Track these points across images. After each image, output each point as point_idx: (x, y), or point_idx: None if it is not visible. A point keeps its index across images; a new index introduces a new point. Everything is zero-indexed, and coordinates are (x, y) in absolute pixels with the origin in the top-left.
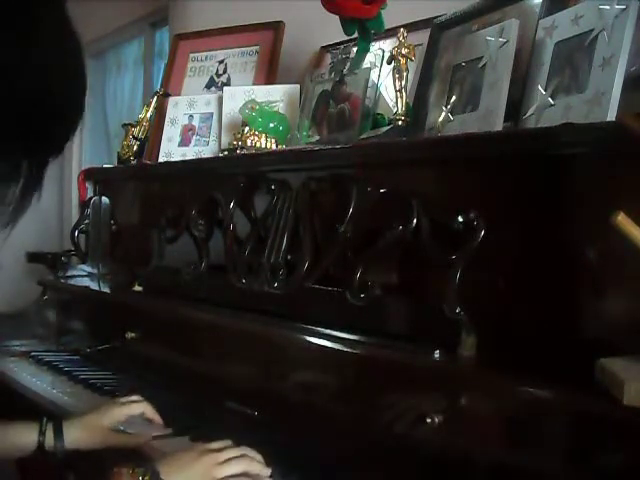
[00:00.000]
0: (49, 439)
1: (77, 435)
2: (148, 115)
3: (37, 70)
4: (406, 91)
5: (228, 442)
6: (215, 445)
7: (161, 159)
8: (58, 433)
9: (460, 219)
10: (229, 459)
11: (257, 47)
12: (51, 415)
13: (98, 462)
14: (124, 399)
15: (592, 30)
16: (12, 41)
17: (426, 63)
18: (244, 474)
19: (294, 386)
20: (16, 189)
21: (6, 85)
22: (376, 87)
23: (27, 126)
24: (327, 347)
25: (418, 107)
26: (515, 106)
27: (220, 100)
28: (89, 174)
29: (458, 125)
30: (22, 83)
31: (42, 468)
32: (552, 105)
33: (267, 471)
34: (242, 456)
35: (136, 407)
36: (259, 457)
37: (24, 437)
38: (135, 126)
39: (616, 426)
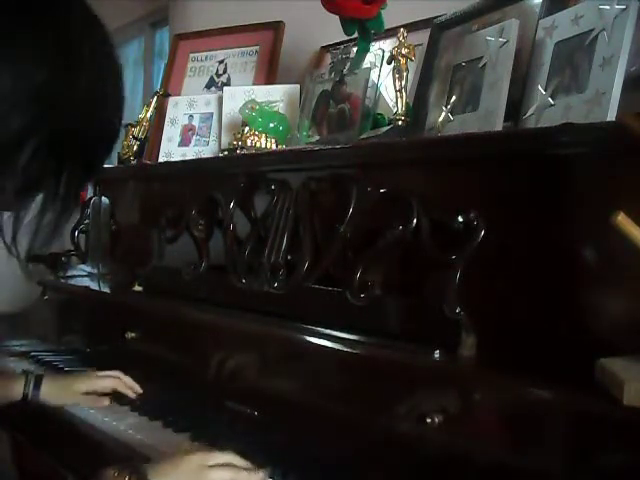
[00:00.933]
0: (30, 390)
1: (50, 391)
2: (148, 115)
3: (84, 92)
4: (406, 91)
5: (214, 450)
6: (203, 449)
7: (161, 159)
8: (37, 385)
9: (460, 219)
10: (216, 465)
11: (257, 47)
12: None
13: (94, 463)
14: (102, 373)
15: (592, 30)
16: (60, 67)
17: (426, 63)
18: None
19: (294, 386)
20: (52, 209)
21: (53, 112)
22: (376, 87)
23: (74, 146)
24: (327, 347)
25: (418, 107)
26: (515, 106)
27: (220, 100)
28: None
29: (458, 125)
30: (68, 109)
31: (41, 468)
32: (552, 105)
33: (257, 476)
34: (228, 464)
35: (110, 381)
36: (248, 465)
37: (14, 389)
38: (135, 126)
39: (616, 426)
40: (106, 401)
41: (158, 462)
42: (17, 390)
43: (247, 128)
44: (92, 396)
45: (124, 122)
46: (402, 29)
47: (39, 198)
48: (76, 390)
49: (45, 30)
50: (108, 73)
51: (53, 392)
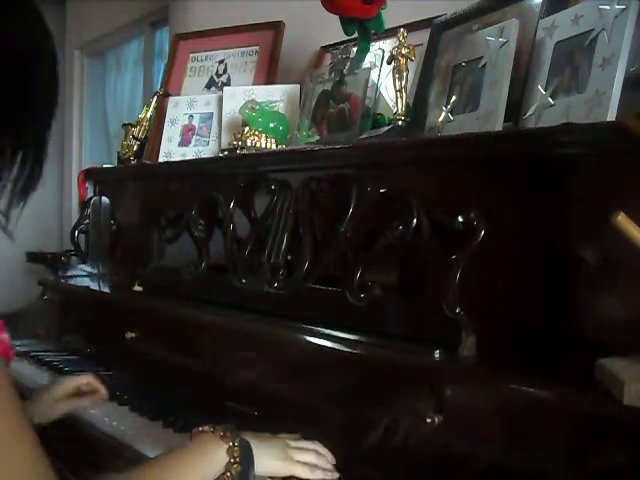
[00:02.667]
0: None
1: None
2: (148, 115)
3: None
4: (406, 91)
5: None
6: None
7: (161, 159)
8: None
9: (460, 219)
10: (303, 447)
11: (257, 47)
12: None
13: (94, 463)
14: (71, 376)
15: (592, 30)
16: None
17: (426, 63)
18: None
19: (294, 386)
20: (22, 162)
21: None
22: (376, 87)
23: (14, 100)
24: (327, 347)
25: (418, 107)
26: (515, 106)
27: (220, 100)
28: (89, 174)
29: (458, 125)
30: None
31: None
32: (552, 105)
33: (333, 471)
34: (314, 450)
35: (82, 378)
36: (328, 454)
37: None
38: (135, 126)
39: (616, 426)
40: (103, 392)
41: (250, 433)
42: None
43: (247, 128)
44: (74, 399)
45: (124, 122)
46: (402, 29)
47: None
48: (54, 399)
49: None
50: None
51: (37, 412)
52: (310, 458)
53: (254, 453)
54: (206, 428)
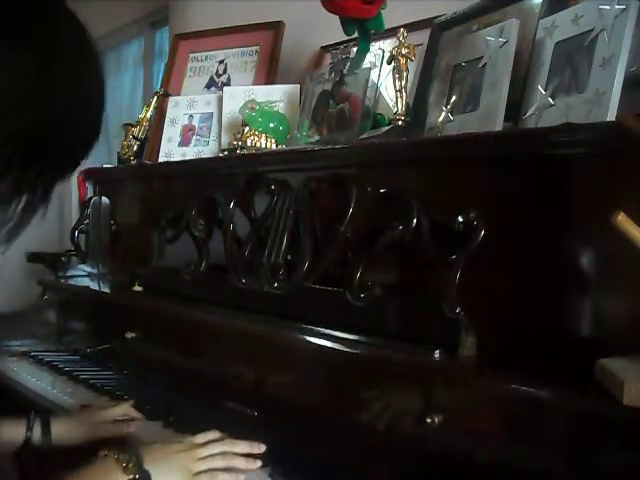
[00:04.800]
0: (36, 434)
1: (64, 431)
2: (148, 115)
3: (58, 91)
4: (406, 91)
5: (216, 434)
6: (200, 439)
7: (161, 159)
8: (45, 428)
9: (460, 219)
10: (211, 454)
11: (257, 47)
12: (39, 410)
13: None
14: (109, 402)
15: (592, 30)
16: (29, 63)
17: (426, 63)
18: (227, 469)
19: (294, 386)
20: (18, 206)
21: (20, 107)
22: (376, 87)
23: (44, 145)
24: (327, 347)
25: (418, 107)
26: (515, 106)
27: (220, 100)
28: (89, 174)
29: (458, 125)
30: (41, 105)
31: (42, 468)
32: (552, 105)
33: (254, 464)
34: (225, 453)
35: (122, 407)
36: (245, 448)
37: (12, 432)
38: (135, 126)
39: (616, 426)
40: (132, 427)
41: (155, 449)
42: (16, 434)
43: (247, 128)
44: (111, 424)
45: (124, 122)
46: (402, 29)
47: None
48: (92, 422)
49: (25, 31)
50: (87, 74)
51: (66, 430)
52: (216, 463)
53: None
54: (110, 454)
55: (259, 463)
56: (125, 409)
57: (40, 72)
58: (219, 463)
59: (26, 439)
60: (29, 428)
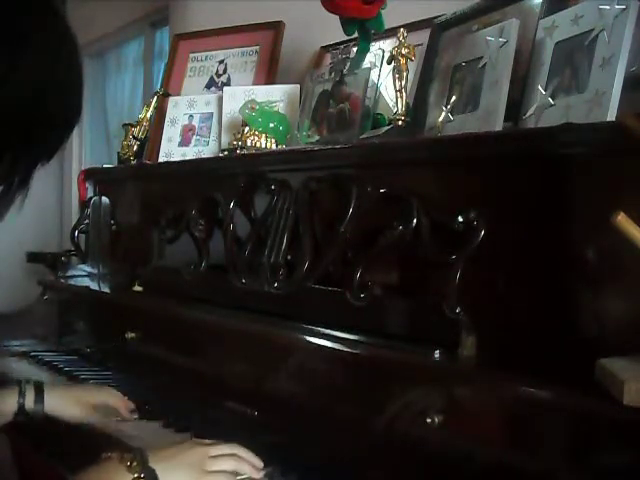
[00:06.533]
0: (29, 402)
1: (59, 402)
2: (148, 115)
3: (27, 76)
4: (406, 91)
5: (220, 442)
6: (207, 441)
7: (161, 159)
8: (38, 396)
9: (460, 219)
10: (220, 455)
11: (257, 47)
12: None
13: (88, 449)
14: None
15: (592, 30)
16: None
17: (426, 63)
18: (233, 472)
19: (294, 386)
20: None
21: None
22: (376, 87)
23: (16, 131)
24: (327, 347)
25: (418, 107)
26: (515, 106)
27: (220, 100)
28: (89, 174)
29: (458, 125)
30: (10, 89)
31: (41, 469)
32: (552, 105)
33: (258, 473)
34: (233, 455)
35: (115, 399)
36: (251, 457)
37: (5, 401)
38: (135, 126)
39: (616, 426)
40: (134, 414)
41: (161, 449)
42: (9, 402)
43: (247, 128)
44: (114, 411)
45: (124, 122)
46: (402, 29)
47: None
48: (89, 402)
49: None
50: (57, 58)
51: (61, 403)
52: (228, 465)
53: None
54: (114, 455)
55: (262, 473)
56: (107, 395)
57: (9, 57)
58: (231, 463)
59: (19, 406)
60: (21, 394)
